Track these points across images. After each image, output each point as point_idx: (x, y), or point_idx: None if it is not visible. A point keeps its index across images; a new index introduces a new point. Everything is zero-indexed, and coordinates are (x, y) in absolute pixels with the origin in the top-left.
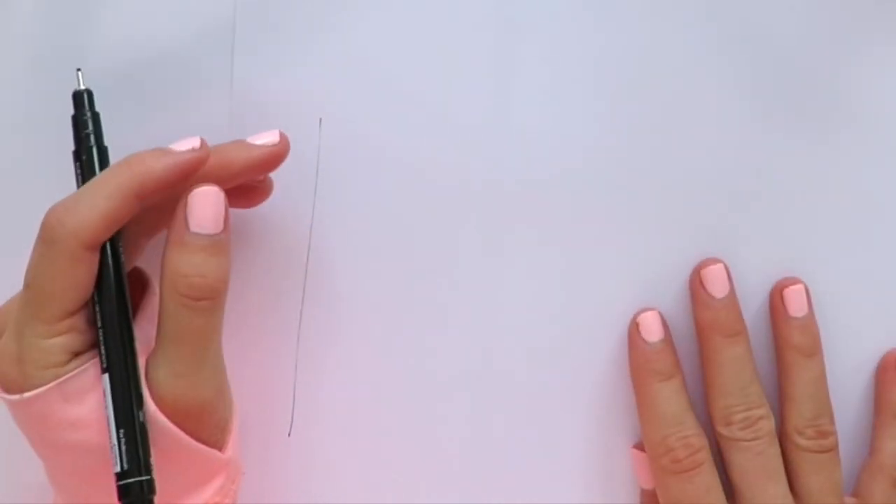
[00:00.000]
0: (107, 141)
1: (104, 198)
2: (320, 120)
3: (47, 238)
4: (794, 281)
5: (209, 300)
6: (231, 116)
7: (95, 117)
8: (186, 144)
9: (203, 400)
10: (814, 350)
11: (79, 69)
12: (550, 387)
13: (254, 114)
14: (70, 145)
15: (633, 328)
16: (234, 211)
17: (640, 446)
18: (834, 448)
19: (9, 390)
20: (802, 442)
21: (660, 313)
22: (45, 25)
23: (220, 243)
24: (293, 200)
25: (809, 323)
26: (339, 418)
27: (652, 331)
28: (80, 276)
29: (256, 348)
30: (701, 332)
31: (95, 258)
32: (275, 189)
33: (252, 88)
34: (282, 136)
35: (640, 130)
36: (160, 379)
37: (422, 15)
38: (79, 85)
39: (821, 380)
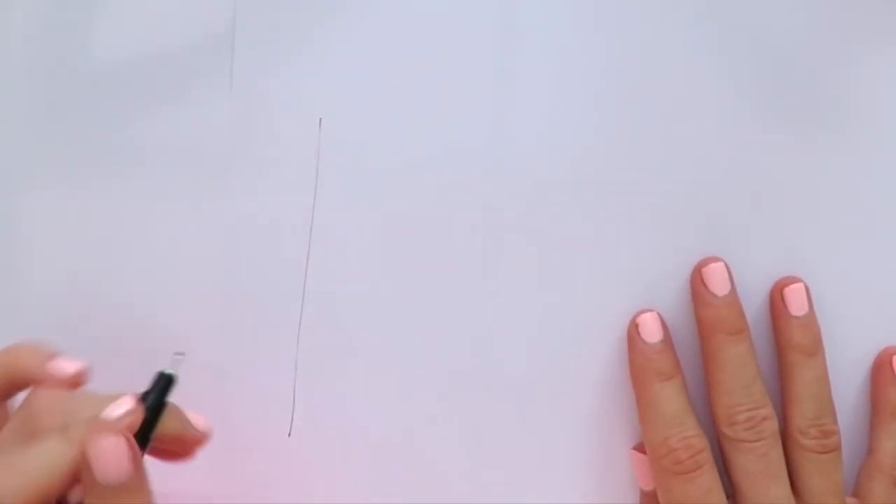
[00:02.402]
0: (107, 141)
1: None
2: (320, 120)
3: None
4: (795, 280)
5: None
6: (231, 116)
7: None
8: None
9: None
10: (815, 349)
11: (180, 353)
12: (550, 387)
13: (254, 114)
14: (69, 145)
15: (633, 329)
16: (233, 211)
17: (640, 448)
18: (837, 448)
19: None
20: (805, 442)
21: (659, 314)
22: (45, 25)
23: (130, 482)
24: (293, 200)
25: (810, 322)
26: (339, 418)
27: (652, 331)
28: None
29: (256, 348)
30: (703, 331)
31: None
32: (275, 189)
33: (252, 88)
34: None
35: (641, 130)
36: None
37: (422, 15)
38: (174, 370)
39: (823, 379)
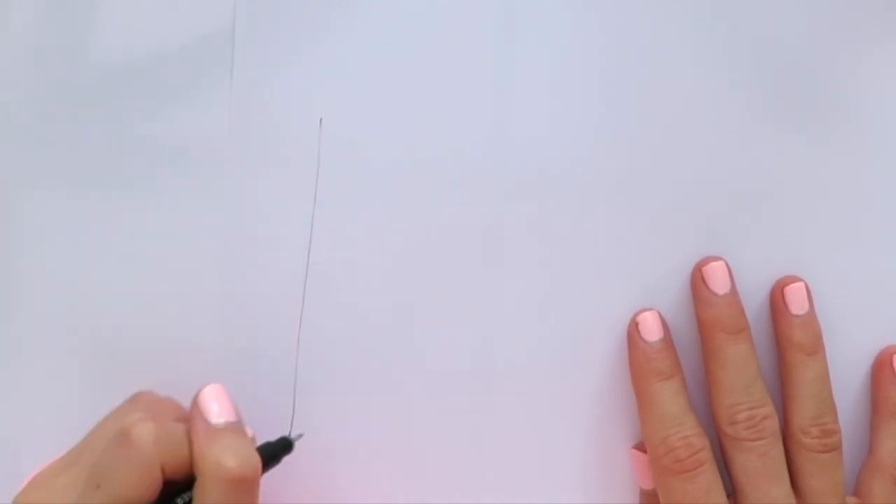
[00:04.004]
0: (107, 140)
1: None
2: (320, 120)
3: (136, 446)
4: (795, 279)
5: (252, 484)
6: (231, 116)
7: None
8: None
9: None
10: (815, 348)
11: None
12: (550, 386)
13: (254, 114)
14: (69, 145)
15: (633, 328)
16: (233, 211)
17: (640, 447)
18: (838, 447)
19: None
20: (807, 441)
21: (659, 313)
22: (45, 25)
23: (236, 429)
24: (293, 200)
25: (810, 321)
26: (339, 418)
27: (652, 330)
28: (152, 489)
29: (257, 348)
30: (704, 330)
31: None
32: (275, 189)
33: (252, 88)
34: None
35: (641, 130)
36: None
37: (422, 15)
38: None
39: (823, 378)
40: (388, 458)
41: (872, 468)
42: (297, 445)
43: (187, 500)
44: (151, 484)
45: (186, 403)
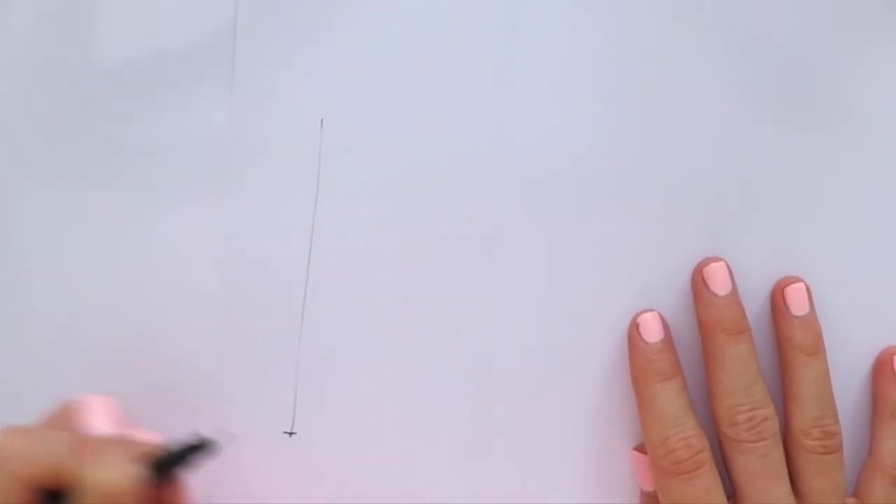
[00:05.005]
0: (107, 140)
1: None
2: (321, 120)
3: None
4: (796, 280)
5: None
6: (231, 116)
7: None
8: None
9: None
10: (816, 349)
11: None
12: (550, 387)
13: (254, 114)
14: (69, 145)
15: (634, 328)
16: (234, 211)
17: (640, 448)
18: (839, 449)
19: None
20: (807, 443)
21: (660, 314)
22: (45, 25)
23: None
24: (294, 200)
25: (811, 321)
26: (339, 418)
27: (652, 331)
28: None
29: (257, 348)
30: (704, 331)
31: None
32: (276, 190)
33: (252, 88)
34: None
35: (641, 130)
36: None
37: (423, 15)
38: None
39: (824, 379)
40: (388, 457)
41: (873, 469)
42: (297, 446)
43: None
44: (13, 498)
45: (184, 405)
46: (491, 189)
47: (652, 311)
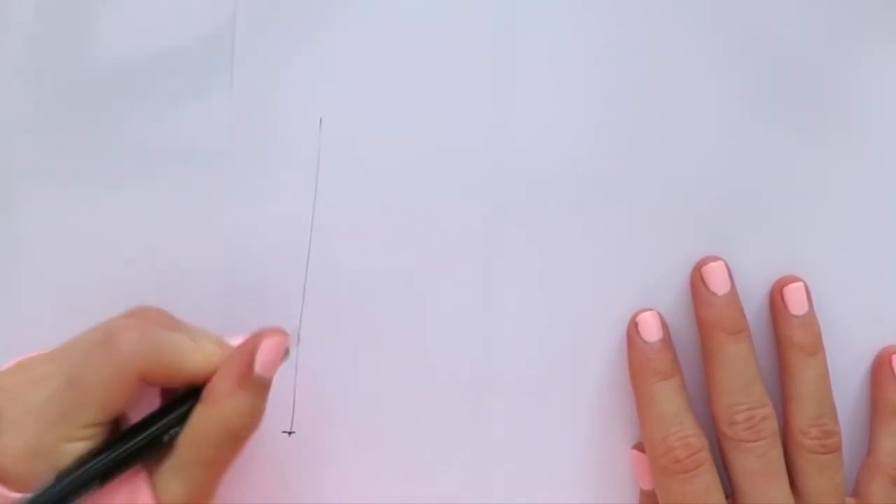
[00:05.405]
0: (107, 141)
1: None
2: (320, 120)
3: (116, 349)
4: (795, 279)
5: (249, 438)
6: (231, 116)
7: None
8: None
9: None
10: (815, 348)
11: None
12: (550, 387)
13: (254, 114)
14: (69, 146)
15: (633, 328)
16: (233, 211)
17: (639, 447)
18: (838, 448)
19: (12, 488)
20: (806, 442)
21: (659, 313)
22: (45, 25)
23: (268, 388)
24: (293, 200)
25: (810, 321)
26: (339, 418)
27: (651, 330)
28: (128, 395)
29: None
30: (703, 330)
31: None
32: (275, 189)
33: (252, 88)
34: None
35: (641, 130)
36: (175, 491)
37: (423, 15)
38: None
39: (823, 378)
40: (388, 457)
41: (872, 468)
42: (297, 445)
43: (163, 430)
44: (127, 389)
45: None
46: (490, 189)
47: (651, 310)
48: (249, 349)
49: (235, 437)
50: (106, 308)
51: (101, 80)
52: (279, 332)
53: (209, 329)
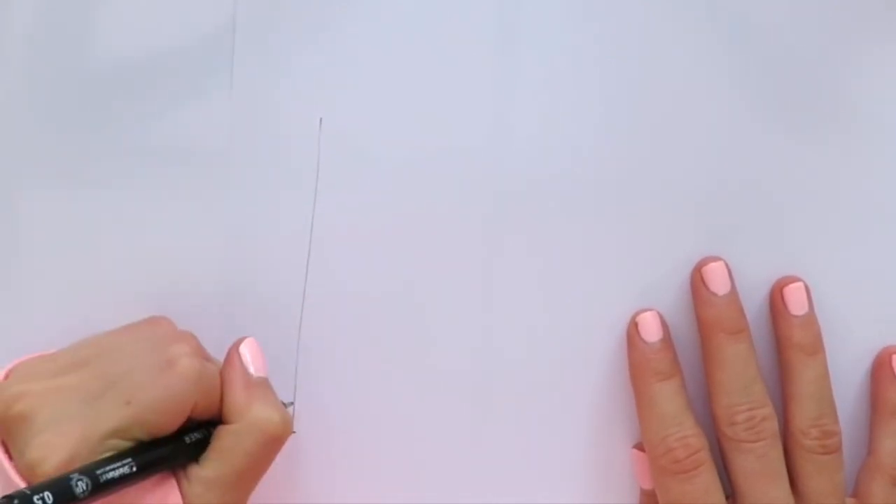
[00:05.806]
0: (107, 141)
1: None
2: (320, 120)
3: (180, 377)
4: (795, 279)
5: (285, 440)
6: (231, 116)
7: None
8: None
9: None
10: (815, 348)
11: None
12: (550, 387)
13: (254, 114)
14: (69, 145)
15: (633, 328)
16: (233, 211)
17: (639, 447)
18: (838, 449)
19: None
20: (806, 443)
21: (659, 313)
22: (45, 25)
23: (269, 386)
24: (293, 200)
25: (810, 321)
26: (339, 418)
27: (651, 331)
28: (179, 422)
29: None
30: (703, 331)
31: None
32: (275, 189)
33: (252, 88)
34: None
35: (641, 130)
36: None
37: (422, 15)
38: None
39: (823, 378)
40: (388, 457)
41: (872, 468)
42: (298, 445)
43: (194, 439)
44: (180, 418)
45: None
46: (490, 188)
47: (651, 310)
48: (236, 359)
49: (270, 441)
50: (106, 308)
51: (101, 80)
52: (241, 338)
53: (209, 330)
